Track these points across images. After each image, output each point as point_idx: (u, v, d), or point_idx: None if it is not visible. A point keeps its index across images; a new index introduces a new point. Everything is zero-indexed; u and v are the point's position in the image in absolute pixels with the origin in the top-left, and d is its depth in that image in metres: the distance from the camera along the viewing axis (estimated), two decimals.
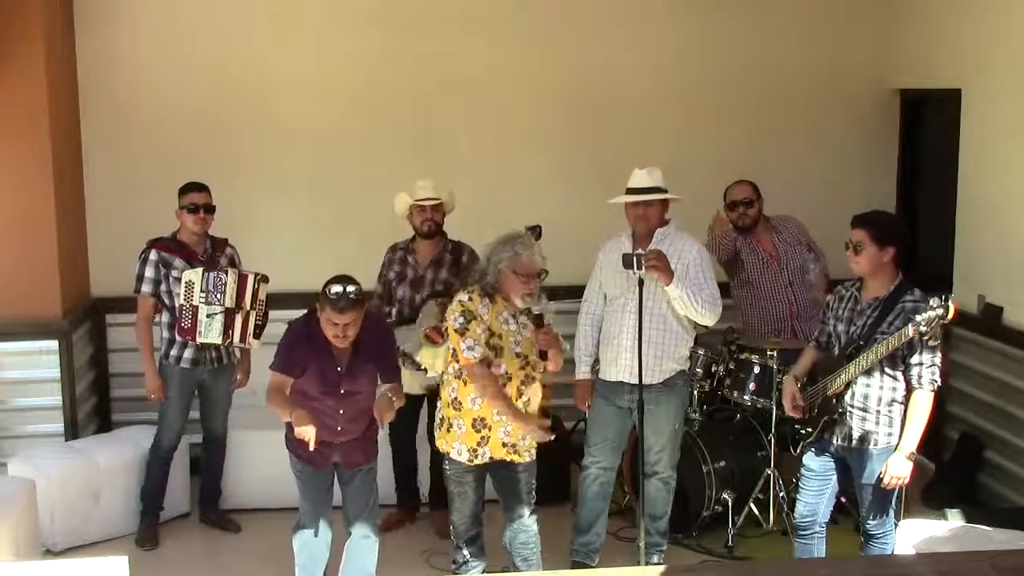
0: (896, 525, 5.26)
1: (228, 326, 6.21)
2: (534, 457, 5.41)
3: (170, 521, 6.62)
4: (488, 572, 5.55)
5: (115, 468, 6.43)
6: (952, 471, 6.83)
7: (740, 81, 7.67)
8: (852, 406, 5.14)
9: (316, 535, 5.40)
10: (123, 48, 7.30)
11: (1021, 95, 6.41)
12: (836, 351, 5.22)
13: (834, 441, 5.22)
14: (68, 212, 6.99)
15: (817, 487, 5.33)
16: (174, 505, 6.66)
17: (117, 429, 7.12)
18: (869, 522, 5.21)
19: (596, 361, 5.89)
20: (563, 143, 7.59)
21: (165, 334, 6.36)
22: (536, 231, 5.92)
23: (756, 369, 6.38)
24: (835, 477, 5.31)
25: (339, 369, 5.20)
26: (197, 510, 6.69)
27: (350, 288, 4.98)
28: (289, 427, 5.23)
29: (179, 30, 7.33)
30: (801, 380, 5.40)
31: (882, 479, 5.07)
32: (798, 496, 5.45)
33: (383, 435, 6.25)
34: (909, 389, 5.07)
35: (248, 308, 6.25)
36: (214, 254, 6.37)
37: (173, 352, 6.34)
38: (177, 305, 6.22)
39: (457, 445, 5.31)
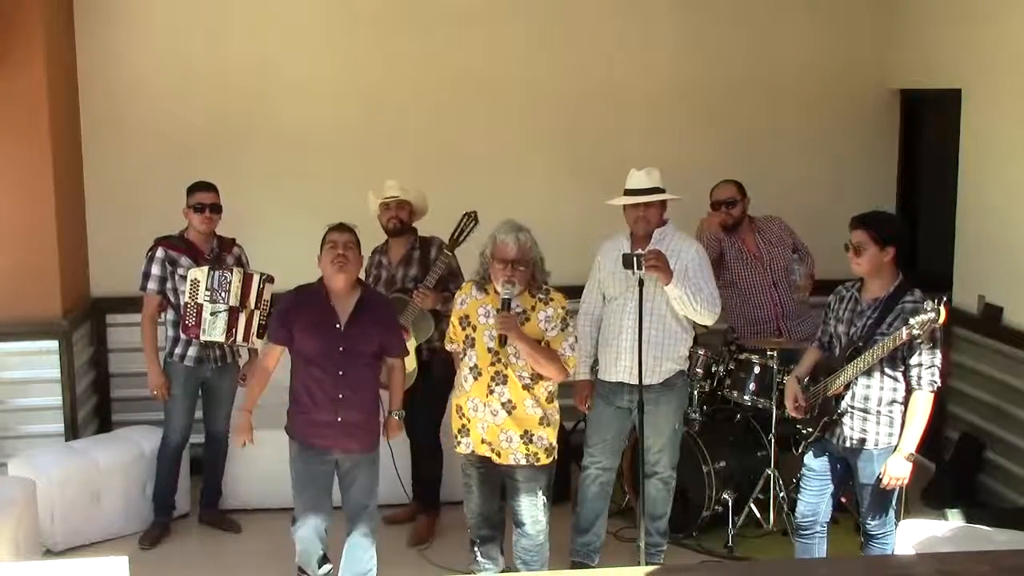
0: (896, 525, 5.27)
1: (231, 325, 6.22)
2: (539, 465, 5.33)
3: (170, 521, 6.61)
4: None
5: (115, 468, 6.43)
6: (952, 471, 6.83)
7: (740, 81, 7.67)
8: (853, 407, 5.14)
9: (306, 528, 5.39)
10: (123, 48, 7.30)
11: (1021, 95, 6.41)
12: (837, 352, 5.23)
13: (835, 441, 5.22)
14: (68, 212, 6.99)
15: (818, 487, 5.33)
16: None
17: (117, 429, 7.11)
18: (869, 522, 5.22)
19: (596, 362, 5.89)
20: (563, 143, 7.60)
21: (170, 332, 6.37)
22: (471, 216, 6.07)
23: (756, 369, 6.38)
24: (836, 477, 5.31)
25: (337, 326, 5.28)
26: (197, 510, 6.69)
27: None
28: (288, 412, 5.39)
29: (179, 30, 7.33)
30: (803, 381, 5.40)
31: (882, 479, 5.07)
32: (799, 496, 5.45)
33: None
34: (909, 390, 5.07)
35: (252, 307, 6.25)
36: (220, 253, 6.38)
37: (178, 350, 6.35)
38: (182, 303, 6.23)
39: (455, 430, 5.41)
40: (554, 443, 5.38)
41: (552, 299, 5.29)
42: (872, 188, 7.62)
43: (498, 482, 5.48)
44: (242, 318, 6.24)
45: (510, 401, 5.26)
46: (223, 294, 6.18)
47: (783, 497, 6.33)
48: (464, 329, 5.35)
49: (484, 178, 7.43)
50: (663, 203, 5.74)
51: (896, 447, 5.07)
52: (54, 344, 6.76)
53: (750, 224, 6.79)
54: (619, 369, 5.72)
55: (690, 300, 5.55)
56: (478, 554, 5.55)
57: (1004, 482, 6.62)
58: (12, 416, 6.81)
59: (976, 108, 6.84)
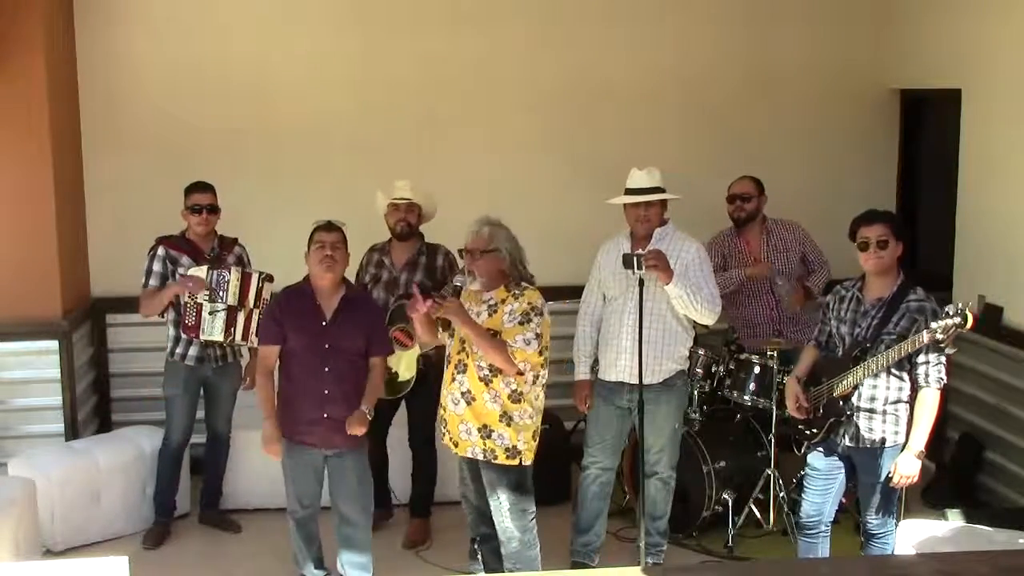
0: (896, 525, 5.27)
1: (230, 324, 6.23)
2: (495, 463, 5.25)
3: (171, 521, 6.61)
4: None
5: (115, 468, 6.43)
6: (952, 471, 6.83)
7: (740, 81, 7.67)
8: (859, 407, 5.13)
9: (300, 521, 5.46)
10: (123, 48, 7.30)
11: (1021, 95, 6.41)
12: (840, 352, 5.21)
13: (840, 441, 5.21)
14: (68, 212, 6.99)
15: (822, 487, 5.33)
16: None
17: (117, 429, 7.11)
18: (871, 521, 5.21)
19: (596, 362, 5.89)
20: (562, 143, 7.59)
21: (171, 331, 6.36)
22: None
23: (756, 369, 6.37)
24: (841, 476, 5.30)
25: (323, 323, 5.36)
26: (197, 510, 6.69)
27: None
28: (278, 408, 5.43)
29: (179, 30, 7.33)
30: (802, 380, 5.40)
31: (891, 478, 5.06)
32: (803, 496, 5.44)
33: (401, 436, 6.31)
34: (915, 388, 5.07)
35: (251, 307, 6.26)
36: (221, 253, 6.39)
37: (178, 350, 6.35)
38: (182, 302, 6.23)
39: None
40: (518, 447, 5.25)
41: (523, 295, 5.24)
42: (872, 188, 7.61)
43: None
44: (240, 317, 6.25)
45: (469, 392, 5.26)
46: (222, 293, 6.20)
47: (783, 497, 6.32)
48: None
49: (484, 178, 7.43)
50: (664, 203, 5.74)
51: (903, 446, 5.07)
52: (54, 344, 6.76)
53: (761, 224, 6.79)
54: (619, 369, 5.72)
55: (690, 299, 5.54)
56: (475, 549, 5.54)
57: (1004, 482, 6.62)
58: (12, 416, 6.81)
59: (976, 108, 6.84)
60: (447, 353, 5.40)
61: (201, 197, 6.33)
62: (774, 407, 6.21)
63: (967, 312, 4.80)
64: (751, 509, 6.38)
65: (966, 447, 6.85)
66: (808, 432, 5.34)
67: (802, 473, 6.32)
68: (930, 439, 5.10)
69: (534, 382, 5.25)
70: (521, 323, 5.17)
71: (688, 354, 5.85)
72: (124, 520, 6.46)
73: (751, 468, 6.41)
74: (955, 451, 6.90)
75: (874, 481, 5.15)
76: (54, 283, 6.75)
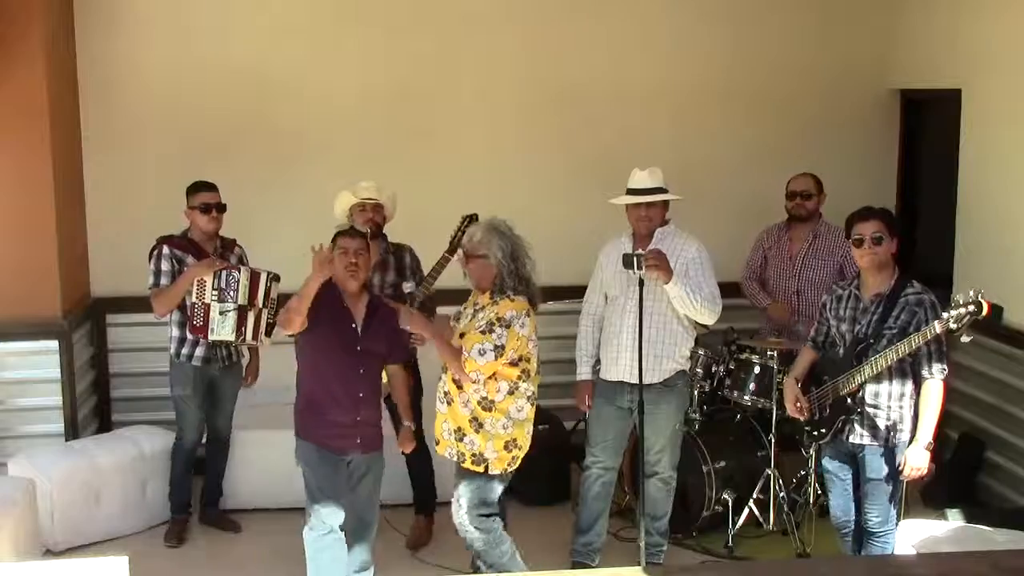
0: (896, 525, 5.27)
1: (241, 323, 6.17)
2: (463, 466, 5.28)
3: (188, 518, 6.61)
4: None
5: (115, 468, 6.43)
6: (952, 471, 6.83)
7: (740, 81, 7.67)
8: (863, 403, 5.14)
9: (334, 530, 5.32)
10: (123, 48, 7.29)
11: (1021, 95, 6.41)
12: (842, 351, 5.22)
13: (846, 439, 5.22)
14: (68, 212, 6.98)
15: (841, 487, 5.35)
16: None
17: (117, 429, 7.10)
18: (873, 519, 5.21)
19: (597, 361, 5.89)
20: (562, 143, 7.58)
21: (176, 332, 6.34)
22: (471, 219, 5.93)
23: (756, 369, 6.37)
24: (853, 474, 5.31)
25: (354, 326, 5.35)
26: (197, 510, 6.69)
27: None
28: (300, 414, 5.35)
29: (179, 30, 7.32)
30: (800, 381, 5.40)
31: (900, 471, 5.07)
32: (828, 499, 5.46)
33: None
34: (918, 381, 5.07)
35: (260, 306, 6.21)
36: (224, 253, 6.38)
37: (184, 350, 6.34)
38: (189, 303, 6.20)
39: None
40: (485, 455, 5.23)
41: (498, 304, 5.23)
42: (872, 188, 7.59)
43: None
44: (251, 317, 6.19)
45: (448, 393, 5.32)
46: (231, 293, 6.14)
47: (783, 497, 6.32)
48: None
49: (484, 179, 7.42)
50: (665, 203, 5.74)
51: (909, 441, 5.08)
52: (54, 344, 6.75)
53: (813, 225, 6.79)
54: (620, 367, 5.72)
55: (690, 299, 5.54)
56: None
57: (1004, 482, 6.62)
58: (12, 416, 6.80)
59: (976, 108, 6.84)
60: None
61: (209, 196, 6.31)
62: (774, 407, 6.21)
63: (981, 300, 4.79)
64: (751, 509, 6.38)
65: (966, 447, 6.85)
66: (816, 432, 5.35)
67: (802, 473, 6.36)
68: (936, 430, 5.11)
69: (511, 392, 5.24)
70: (483, 332, 5.19)
71: (689, 354, 5.85)
72: (124, 520, 6.46)
73: (751, 468, 6.41)
74: (955, 451, 6.90)
75: (875, 478, 5.15)
76: (54, 283, 6.74)
